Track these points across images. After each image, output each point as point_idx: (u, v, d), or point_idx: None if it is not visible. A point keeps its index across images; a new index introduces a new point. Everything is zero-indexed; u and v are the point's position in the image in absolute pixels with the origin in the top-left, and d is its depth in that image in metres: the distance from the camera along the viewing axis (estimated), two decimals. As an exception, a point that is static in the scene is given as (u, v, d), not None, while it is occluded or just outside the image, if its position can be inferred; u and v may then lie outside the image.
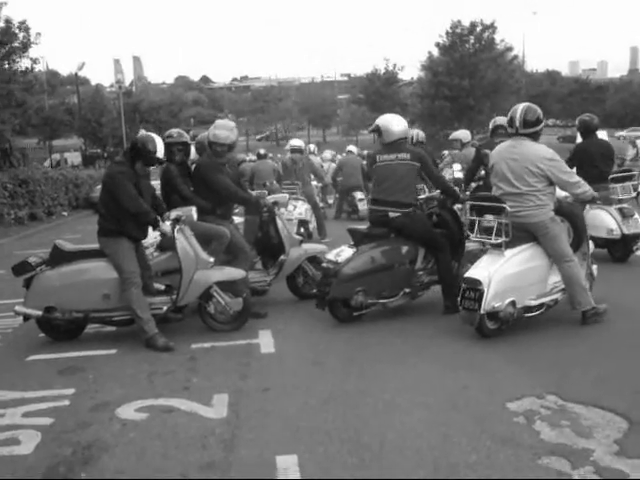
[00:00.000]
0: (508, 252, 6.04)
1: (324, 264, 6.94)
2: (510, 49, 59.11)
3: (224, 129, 7.30)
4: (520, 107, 6.25)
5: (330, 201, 20.55)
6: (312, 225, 13.11)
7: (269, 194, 8.22)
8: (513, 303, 5.99)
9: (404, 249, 6.99)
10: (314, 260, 8.01)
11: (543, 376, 5.08)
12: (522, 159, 6.12)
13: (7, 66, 19.69)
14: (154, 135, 6.52)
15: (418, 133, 11.84)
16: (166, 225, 6.29)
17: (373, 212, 7.22)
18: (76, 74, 43.97)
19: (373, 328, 6.67)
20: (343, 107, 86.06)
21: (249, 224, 9.00)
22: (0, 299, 8.80)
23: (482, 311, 5.82)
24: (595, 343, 5.89)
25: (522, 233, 6.11)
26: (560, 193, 6.45)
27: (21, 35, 19.75)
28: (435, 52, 59.17)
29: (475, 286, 5.86)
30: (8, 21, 19.45)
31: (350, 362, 5.62)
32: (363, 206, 16.76)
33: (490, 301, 5.81)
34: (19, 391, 5.24)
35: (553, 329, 6.32)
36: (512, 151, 6.22)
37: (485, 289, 5.80)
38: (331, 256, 6.90)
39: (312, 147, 19.57)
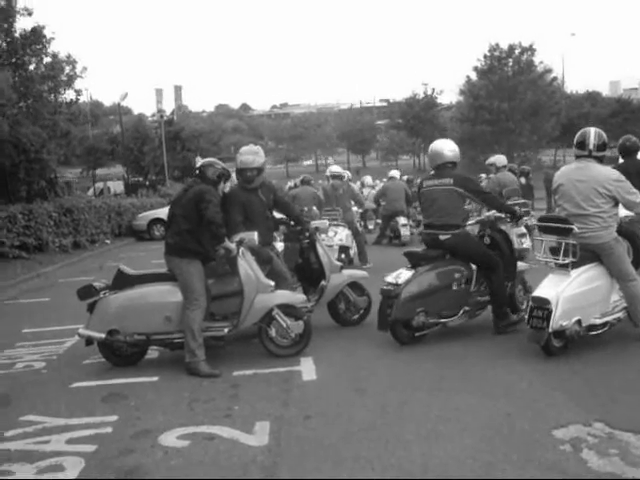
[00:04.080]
0: (573, 272, 6.17)
1: (384, 287, 6.96)
2: (549, 71, 58.76)
3: (249, 154, 7.39)
4: (592, 131, 6.44)
5: (370, 226, 20.52)
6: (353, 251, 13.09)
7: (309, 220, 8.27)
8: (579, 322, 6.10)
9: (460, 269, 7.10)
10: (355, 286, 7.99)
11: (589, 403, 4.98)
12: (590, 180, 6.24)
13: (52, 98, 20.13)
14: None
15: None
16: (232, 244, 6.44)
17: (426, 235, 7.38)
18: (119, 104, 44.81)
19: (414, 354, 6.61)
20: (382, 132, 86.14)
21: (290, 250, 9.03)
22: (46, 326, 8.93)
23: (550, 330, 5.95)
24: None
25: (586, 253, 6.19)
26: (620, 213, 6.54)
27: (67, 68, 20.22)
28: (473, 76, 59.10)
29: (543, 305, 6.00)
30: (54, 55, 19.93)
31: (392, 389, 5.57)
32: (405, 231, 16.72)
33: (558, 320, 5.95)
34: (63, 418, 5.29)
35: (598, 354, 6.22)
36: (579, 173, 6.37)
37: (553, 308, 5.94)
38: (390, 278, 6.95)
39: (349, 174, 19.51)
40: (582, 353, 6.22)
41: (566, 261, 6.13)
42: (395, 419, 4.87)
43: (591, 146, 6.35)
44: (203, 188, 6.50)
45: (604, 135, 6.48)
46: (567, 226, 6.14)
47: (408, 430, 4.63)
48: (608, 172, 6.31)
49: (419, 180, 7.89)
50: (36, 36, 19.11)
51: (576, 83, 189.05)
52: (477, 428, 4.60)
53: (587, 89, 70.37)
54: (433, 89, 74.47)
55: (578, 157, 6.48)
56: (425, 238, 7.44)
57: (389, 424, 4.77)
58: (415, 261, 7.16)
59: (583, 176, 6.31)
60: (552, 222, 6.43)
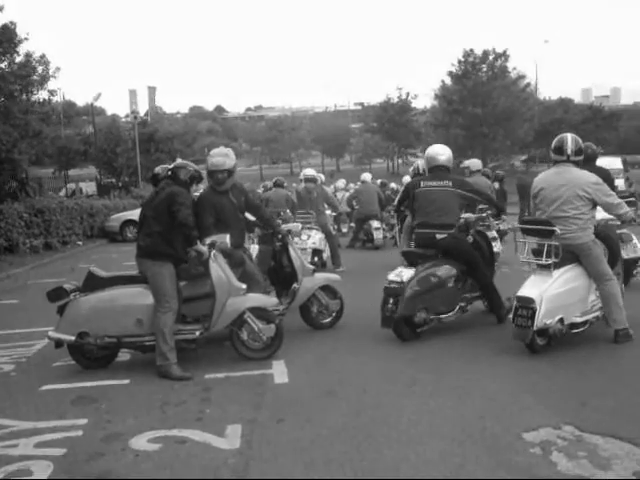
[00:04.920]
0: (555, 272, 6.43)
1: (387, 285, 7.17)
2: (523, 77, 59.32)
3: (219, 156, 7.36)
4: (569, 137, 6.72)
5: (344, 230, 20.54)
6: (326, 254, 13.12)
7: (282, 223, 8.27)
8: (561, 320, 6.34)
9: (452, 268, 7.44)
10: (328, 289, 7.99)
11: (559, 406, 5.02)
12: (571, 184, 6.49)
13: (25, 97, 19.88)
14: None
15: (422, 163, 12.42)
16: (203, 247, 6.42)
17: (420, 235, 7.70)
18: (92, 104, 44.48)
19: (386, 357, 6.63)
20: (356, 136, 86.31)
21: (262, 253, 9.01)
22: (15, 328, 8.83)
23: (535, 328, 6.15)
24: (611, 371, 5.84)
25: (565, 254, 6.41)
26: (597, 217, 6.83)
27: (40, 68, 19.99)
28: (448, 81, 59.46)
29: (528, 304, 6.22)
30: (28, 55, 19.69)
31: (364, 392, 5.58)
32: (379, 235, 16.77)
33: (542, 318, 6.17)
34: (32, 421, 5.23)
35: (570, 356, 6.29)
36: (559, 177, 6.62)
37: (538, 307, 6.17)
38: (393, 277, 7.18)
39: (322, 177, 19.46)
40: (555, 356, 6.30)
41: (549, 262, 6.36)
42: (367, 422, 4.88)
43: (569, 151, 6.61)
44: (175, 190, 6.47)
45: (580, 140, 6.73)
46: (549, 228, 6.37)
47: (380, 433, 4.64)
48: (587, 176, 6.55)
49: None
50: (7, 34, 18.86)
51: (549, 89, 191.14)
52: (449, 431, 4.62)
53: (560, 96, 71.13)
54: (407, 93, 74.72)
55: (556, 162, 6.72)
56: (419, 237, 7.73)
57: (361, 427, 4.77)
58: (412, 260, 7.50)
59: (563, 180, 6.54)
60: (534, 224, 6.66)
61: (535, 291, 6.28)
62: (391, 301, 7.05)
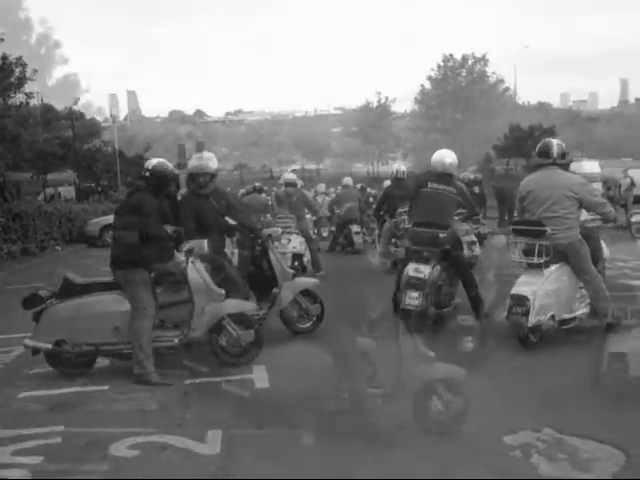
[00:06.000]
0: (546, 271, 6.73)
1: (407, 280, 7.51)
2: (501, 81, 59.78)
3: (201, 159, 7.36)
4: (554, 142, 7.10)
5: (324, 234, 20.54)
6: (306, 259, 13.08)
7: (263, 227, 8.26)
8: (553, 317, 6.62)
9: (447, 265, 7.86)
10: (308, 294, 7.97)
11: (539, 408, 5.05)
12: (559, 186, 6.80)
13: (1, 101, 19.68)
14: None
15: (400, 167, 13.82)
16: (180, 255, 6.37)
17: (421, 233, 7.99)
18: (71, 108, 44.10)
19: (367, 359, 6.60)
20: (336, 140, 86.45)
21: (242, 258, 8.98)
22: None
23: (529, 324, 6.43)
24: (591, 373, 5.84)
25: (554, 253, 6.67)
26: (580, 217, 7.14)
27: (17, 71, 19.80)
28: (427, 85, 59.80)
29: (523, 302, 6.51)
30: (4, 57, 19.50)
31: (345, 396, 5.53)
32: (359, 239, 16.80)
33: (536, 315, 6.45)
34: (9, 429, 5.17)
35: (548, 358, 6.34)
36: (548, 179, 6.93)
37: (531, 304, 6.44)
38: (413, 272, 7.53)
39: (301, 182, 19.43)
40: (535, 357, 6.36)
41: (540, 261, 6.61)
42: (348, 426, 4.86)
43: (555, 155, 6.91)
44: (141, 200, 6.37)
45: (563, 145, 7.07)
46: (541, 228, 6.64)
47: (362, 437, 4.63)
48: (574, 177, 6.97)
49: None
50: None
51: (528, 94, 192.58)
52: (430, 433, 4.63)
53: (538, 100, 71.68)
54: (386, 97, 74.95)
55: (542, 165, 7.02)
56: (419, 235, 8.01)
57: (342, 432, 4.76)
58: (418, 257, 7.75)
59: (552, 182, 6.85)
60: (526, 225, 6.94)
61: (528, 289, 6.56)
62: (415, 295, 7.36)
